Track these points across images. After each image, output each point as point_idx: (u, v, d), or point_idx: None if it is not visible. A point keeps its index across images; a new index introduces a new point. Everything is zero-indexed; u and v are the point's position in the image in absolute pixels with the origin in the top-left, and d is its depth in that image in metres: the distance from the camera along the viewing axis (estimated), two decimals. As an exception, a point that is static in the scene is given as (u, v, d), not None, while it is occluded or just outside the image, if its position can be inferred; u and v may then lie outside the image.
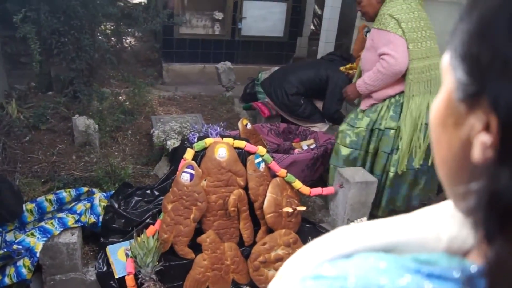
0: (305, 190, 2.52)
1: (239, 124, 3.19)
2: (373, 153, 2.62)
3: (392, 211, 2.76)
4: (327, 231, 2.50)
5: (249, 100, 4.55)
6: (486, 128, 0.34)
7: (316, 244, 0.56)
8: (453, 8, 3.51)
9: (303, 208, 2.42)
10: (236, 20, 5.54)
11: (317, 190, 2.55)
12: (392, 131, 2.52)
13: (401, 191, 2.63)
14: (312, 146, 3.33)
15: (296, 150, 3.34)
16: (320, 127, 3.76)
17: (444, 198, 0.54)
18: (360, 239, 0.52)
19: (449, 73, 0.39)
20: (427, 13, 3.57)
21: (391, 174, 2.56)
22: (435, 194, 2.77)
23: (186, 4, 5.32)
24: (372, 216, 2.59)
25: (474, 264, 0.34)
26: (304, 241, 2.41)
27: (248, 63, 5.69)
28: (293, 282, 0.42)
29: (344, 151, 2.68)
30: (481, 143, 0.34)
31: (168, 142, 2.96)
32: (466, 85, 0.35)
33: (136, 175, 2.97)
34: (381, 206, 2.67)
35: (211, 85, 5.11)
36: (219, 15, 5.48)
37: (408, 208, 2.74)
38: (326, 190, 2.56)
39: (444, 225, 0.50)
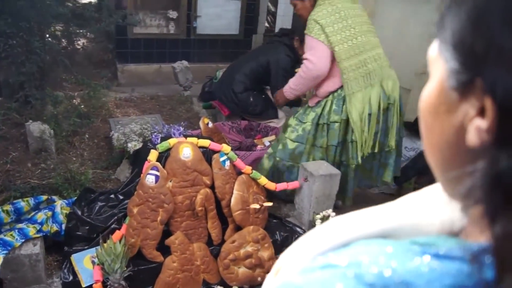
0: (271, 185, 2.54)
1: (200, 123, 3.18)
2: (325, 147, 2.69)
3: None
4: (293, 225, 2.55)
5: (208, 98, 4.52)
6: (480, 113, 0.36)
7: (312, 236, 0.57)
8: (404, 1, 3.64)
9: (270, 204, 2.45)
10: (190, 19, 5.48)
11: (283, 185, 2.58)
12: (337, 124, 2.60)
13: (348, 185, 2.75)
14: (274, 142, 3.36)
15: (259, 147, 3.36)
16: (277, 122, 3.80)
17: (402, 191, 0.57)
18: (356, 227, 0.53)
19: (439, 63, 0.41)
20: (382, 8, 3.70)
21: (352, 166, 2.64)
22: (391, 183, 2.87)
23: (139, 3, 5.21)
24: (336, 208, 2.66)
25: (475, 242, 0.36)
26: (272, 236, 2.44)
27: (204, 61, 5.65)
28: (294, 274, 0.43)
29: (291, 145, 2.74)
30: (476, 128, 0.36)
31: (129, 145, 2.90)
32: (459, 73, 0.37)
33: (96, 179, 2.88)
34: (347, 196, 2.75)
35: (168, 85, 5.03)
36: (173, 14, 5.41)
37: (368, 199, 2.84)
38: (291, 185, 2.60)
39: (434, 209, 0.52)
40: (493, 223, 0.34)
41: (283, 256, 0.60)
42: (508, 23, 0.33)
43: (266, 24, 6.81)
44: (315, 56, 2.57)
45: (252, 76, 3.79)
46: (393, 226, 0.52)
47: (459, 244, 0.37)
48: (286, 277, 0.50)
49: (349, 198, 2.77)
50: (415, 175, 2.94)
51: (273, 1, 6.58)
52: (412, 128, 3.30)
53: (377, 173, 2.80)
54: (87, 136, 3.39)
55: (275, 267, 0.60)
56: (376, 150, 2.66)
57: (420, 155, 2.91)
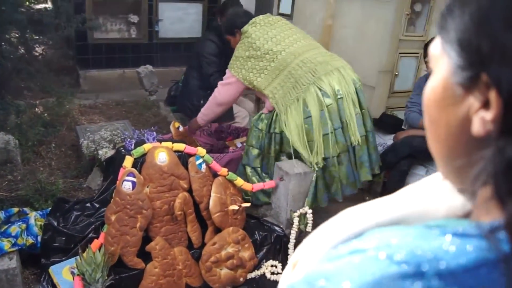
0: (247, 186, 2.56)
1: (171, 127, 3.16)
2: (275, 155, 2.74)
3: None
4: (271, 224, 2.58)
5: (174, 102, 4.49)
6: (484, 106, 0.40)
7: (326, 228, 0.59)
8: (364, 3, 3.76)
9: (248, 205, 2.47)
10: (152, 23, 5.42)
11: (259, 185, 2.61)
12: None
13: (319, 187, 2.66)
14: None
15: (231, 149, 3.38)
16: (241, 122, 3.81)
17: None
18: (368, 217, 0.56)
19: (443, 60, 0.45)
20: (343, 8, 3.80)
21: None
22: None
23: (98, 8, 5.10)
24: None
25: (484, 222, 0.40)
26: (251, 236, 2.46)
27: (168, 65, 5.60)
28: (320, 263, 0.45)
29: (253, 151, 2.80)
30: (481, 119, 0.40)
31: (100, 152, 2.84)
32: (465, 70, 0.41)
33: (67, 189, 2.81)
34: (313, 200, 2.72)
35: (133, 90, 4.96)
36: (134, 18, 5.33)
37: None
38: (268, 184, 2.63)
39: (438, 196, 0.56)
40: (505, 203, 0.38)
41: (299, 249, 0.61)
42: (510, 25, 0.37)
43: (228, 27, 6.83)
44: (225, 88, 2.82)
45: (200, 75, 3.76)
46: (402, 214, 0.56)
47: (468, 224, 0.41)
48: (309, 267, 0.53)
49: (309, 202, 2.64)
50: (385, 169, 3.04)
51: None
52: (378, 125, 3.41)
53: (354, 177, 2.70)
54: (53, 145, 3.30)
55: (291, 261, 0.62)
56: (336, 154, 2.58)
57: (389, 150, 3.01)
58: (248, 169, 2.83)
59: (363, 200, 3.24)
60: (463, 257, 0.37)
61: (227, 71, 2.84)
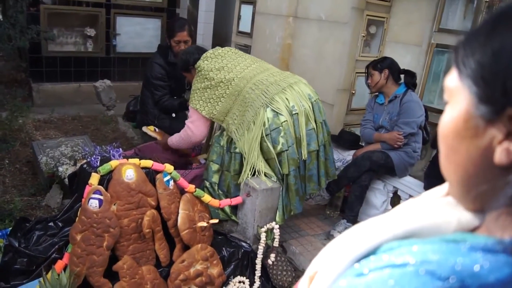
0: (215, 202, 2.57)
1: (149, 132, 3.21)
2: (234, 174, 2.75)
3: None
4: (239, 240, 2.59)
5: (133, 118, 4.42)
6: (506, 137, 0.44)
7: (342, 241, 0.62)
8: (322, 24, 3.90)
9: (216, 221, 2.47)
10: (110, 37, 5.33)
11: (226, 201, 2.63)
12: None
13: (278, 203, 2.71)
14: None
15: (194, 165, 3.36)
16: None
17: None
18: (383, 230, 0.59)
19: (462, 93, 0.48)
20: (301, 28, 3.93)
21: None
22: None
23: (53, 20, 4.96)
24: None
25: (506, 237, 0.45)
26: (219, 253, 2.46)
27: (126, 80, 5.52)
28: (349, 278, 0.47)
29: (214, 167, 2.84)
30: (506, 149, 0.44)
31: (60, 169, 2.76)
32: (488, 104, 0.45)
33: (24, 207, 2.69)
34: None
35: (89, 105, 4.84)
36: (91, 32, 5.22)
37: (304, 210, 2.95)
38: (235, 200, 2.65)
39: (446, 209, 0.60)
40: None
41: (316, 261, 0.63)
42: None
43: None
44: (194, 125, 2.87)
45: (153, 96, 3.70)
46: (415, 227, 0.58)
47: (489, 239, 0.44)
48: (331, 282, 0.55)
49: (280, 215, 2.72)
50: (346, 184, 3.15)
51: (192, 19, 6.63)
52: (338, 141, 3.53)
53: (306, 189, 2.79)
54: (7, 161, 3.15)
55: (307, 273, 0.64)
56: (287, 172, 2.62)
57: (350, 165, 3.12)
58: (207, 183, 2.85)
59: (324, 213, 3.33)
60: (498, 272, 0.40)
61: (189, 107, 2.88)
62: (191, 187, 2.48)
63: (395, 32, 4.01)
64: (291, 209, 2.75)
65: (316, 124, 2.72)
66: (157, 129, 3.22)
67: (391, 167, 3.04)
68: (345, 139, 3.56)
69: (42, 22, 4.73)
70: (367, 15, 3.86)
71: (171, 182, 2.40)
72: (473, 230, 0.55)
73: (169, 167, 2.41)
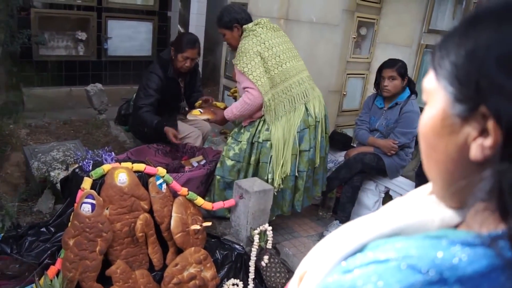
0: (208, 205, 2.57)
1: (194, 117, 3.05)
2: (255, 164, 2.80)
3: (283, 216, 2.98)
4: (232, 242, 2.60)
5: (125, 121, 4.40)
6: (481, 134, 0.46)
7: (330, 240, 0.63)
8: (313, 26, 3.92)
9: (209, 224, 2.47)
10: (101, 40, 5.32)
11: (219, 204, 2.63)
12: (269, 143, 2.74)
13: (285, 197, 2.85)
14: (202, 162, 3.39)
15: (187, 168, 3.36)
16: (193, 142, 3.77)
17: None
18: (370, 229, 0.61)
19: (439, 93, 0.50)
20: (293, 31, 3.94)
21: (269, 181, 2.76)
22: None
23: (44, 24, 4.94)
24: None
25: (482, 232, 0.46)
26: (212, 256, 2.46)
27: (118, 83, 5.51)
28: (336, 275, 0.49)
29: (229, 162, 2.83)
30: (480, 146, 0.46)
31: (52, 173, 2.75)
32: (463, 102, 0.47)
33: (16, 213, 2.67)
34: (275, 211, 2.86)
35: (81, 109, 4.82)
36: (82, 35, 5.20)
37: (293, 212, 2.98)
38: (228, 203, 2.66)
39: (430, 208, 0.62)
40: (507, 217, 0.44)
41: (305, 261, 0.65)
42: (503, 67, 0.44)
43: (178, 45, 6.83)
44: (250, 89, 2.68)
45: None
46: (401, 225, 0.60)
47: (468, 234, 0.46)
48: (319, 280, 0.56)
49: (270, 215, 2.80)
50: (338, 185, 3.16)
51: (184, 22, 6.63)
52: (330, 142, 3.54)
53: (312, 191, 2.99)
54: (-2, 167, 3.13)
55: (297, 273, 0.65)
56: (306, 169, 2.82)
57: (342, 167, 3.14)
58: (218, 177, 2.88)
59: (317, 214, 3.35)
60: (477, 263, 0.42)
61: (236, 69, 2.73)
62: (183, 190, 2.48)
63: (386, 34, 4.04)
64: (284, 210, 2.86)
65: (325, 134, 2.95)
66: (201, 110, 3.02)
67: (383, 169, 3.06)
68: (337, 141, 3.58)
69: (33, 26, 4.70)
70: (358, 17, 3.89)
71: (164, 186, 2.40)
72: (456, 226, 0.57)
73: (161, 171, 2.42)
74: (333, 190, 3.26)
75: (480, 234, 0.45)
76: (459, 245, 0.44)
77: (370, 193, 3.28)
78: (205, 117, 2.99)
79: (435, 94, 0.51)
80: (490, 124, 0.44)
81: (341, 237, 0.61)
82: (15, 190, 2.96)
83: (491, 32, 0.46)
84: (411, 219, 0.61)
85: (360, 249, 0.55)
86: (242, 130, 2.83)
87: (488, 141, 0.45)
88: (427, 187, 0.65)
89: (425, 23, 3.72)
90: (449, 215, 0.59)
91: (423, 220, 0.60)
